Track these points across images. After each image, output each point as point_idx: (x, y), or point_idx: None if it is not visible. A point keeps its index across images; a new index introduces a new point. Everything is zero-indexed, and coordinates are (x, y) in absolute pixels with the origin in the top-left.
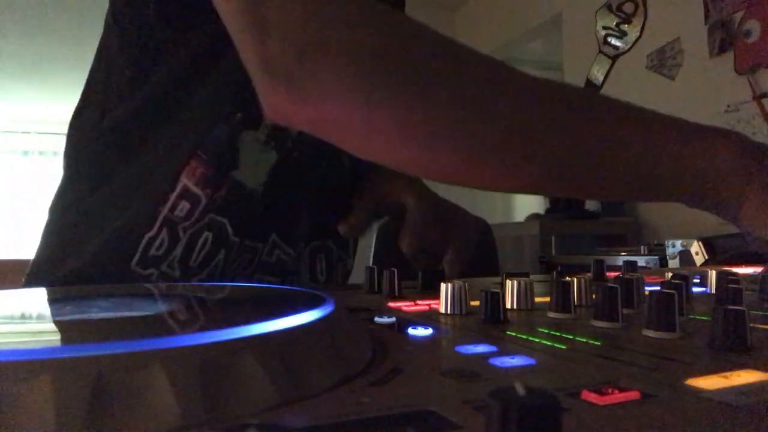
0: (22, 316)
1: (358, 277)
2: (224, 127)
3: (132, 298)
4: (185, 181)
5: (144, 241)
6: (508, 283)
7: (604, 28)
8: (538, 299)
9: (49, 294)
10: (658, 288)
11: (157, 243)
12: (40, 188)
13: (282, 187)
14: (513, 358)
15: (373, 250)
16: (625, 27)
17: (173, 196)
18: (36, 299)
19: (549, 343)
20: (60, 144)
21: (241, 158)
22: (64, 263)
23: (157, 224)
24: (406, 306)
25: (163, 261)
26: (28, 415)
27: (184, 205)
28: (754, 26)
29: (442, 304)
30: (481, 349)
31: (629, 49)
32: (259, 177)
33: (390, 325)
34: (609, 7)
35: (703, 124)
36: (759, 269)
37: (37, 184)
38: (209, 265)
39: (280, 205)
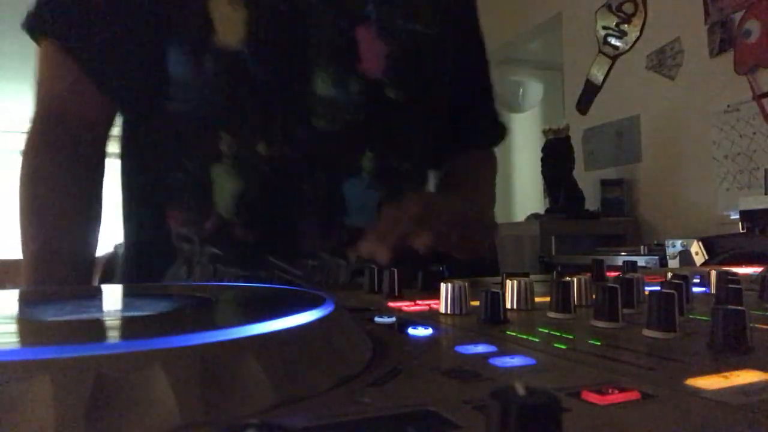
0: (26, 316)
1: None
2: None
3: (132, 298)
4: (175, 229)
5: (167, 276)
6: (508, 283)
7: (604, 28)
8: (538, 299)
9: (49, 294)
10: (658, 288)
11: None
12: None
13: (256, 210)
14: (513, 358)
15: None
16: (625, 27)
17: (174, 240)
18: (36, 299)
19: (549, 343)
20: None
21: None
22: None
23: (177, 262)
24: (406, 306)
25: None
26: (28, 415)
27: (184, 245)
28: (754, 26)
29: (442, 304)
30: (481, 349)
31: (629, 49)
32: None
33: (390, 325)
34: (609, 7)
35: None
36: (759, 269)
37: None
38: None
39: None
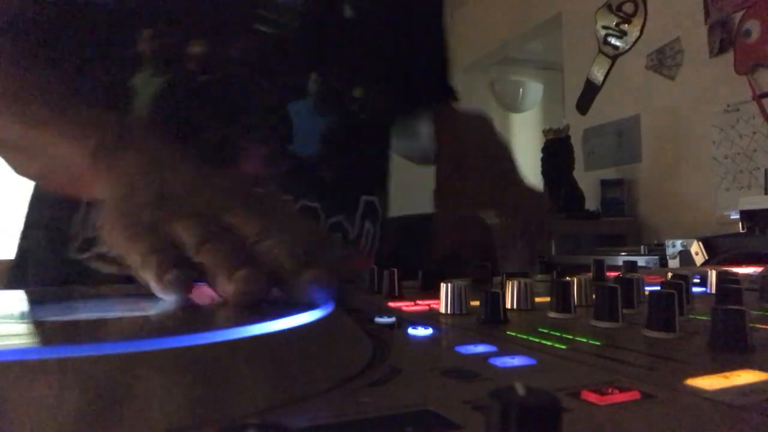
0: (22, 317)
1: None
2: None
3: (131, 299)
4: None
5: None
6: (508, 283)
7: (604, 28)
8: (538, 299)
9: (48, 294)
10: (658, 288)
11: None
12: None
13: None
14: (513, 358)
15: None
16: (625, 27)
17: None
18: (35, 300)
19: (549, 343)
20: None
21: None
22: None
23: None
24: (406, 306)
25: None
26: (28, 415)
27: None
28: (754, 26)
29: (442, 304)
30: (481, 349)
31: (629, 49)
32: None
33: (390, 325)
34: (609, 7)
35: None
36: (759, 269)
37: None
38: None
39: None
